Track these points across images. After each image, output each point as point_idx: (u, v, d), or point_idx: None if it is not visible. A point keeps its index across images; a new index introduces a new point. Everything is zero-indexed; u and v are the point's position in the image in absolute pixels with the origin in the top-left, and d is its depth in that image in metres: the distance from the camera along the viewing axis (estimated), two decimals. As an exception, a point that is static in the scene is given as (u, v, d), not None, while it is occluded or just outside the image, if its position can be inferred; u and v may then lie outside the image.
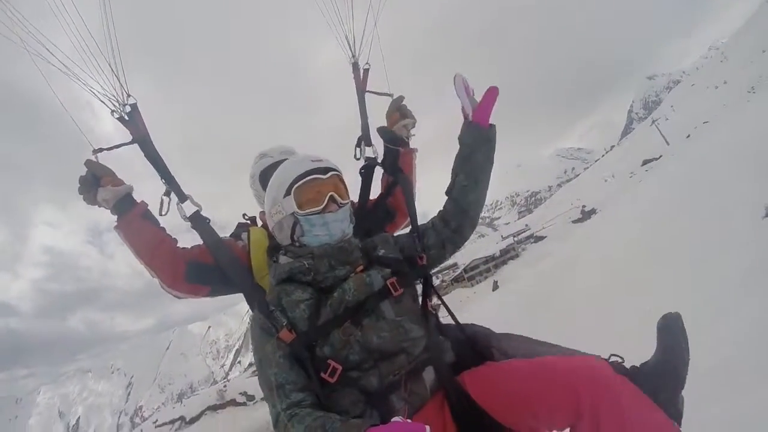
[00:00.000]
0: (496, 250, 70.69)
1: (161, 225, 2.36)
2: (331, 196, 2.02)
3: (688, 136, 50.82)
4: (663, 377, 1.60)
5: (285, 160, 2.21)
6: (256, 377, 1.87)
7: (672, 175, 12.93)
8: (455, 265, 68.31)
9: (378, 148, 2.83)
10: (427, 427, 1.32)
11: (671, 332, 1.65)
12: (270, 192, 2.13)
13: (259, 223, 2.78)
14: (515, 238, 77.30)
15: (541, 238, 70.10)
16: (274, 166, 2.34)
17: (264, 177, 2.74)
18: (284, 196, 2.03)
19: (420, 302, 2.10)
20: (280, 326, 1.81)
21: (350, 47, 2.91)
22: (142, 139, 2.28)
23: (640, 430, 1.44)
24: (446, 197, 2.21)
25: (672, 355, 1.62)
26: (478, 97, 2.14)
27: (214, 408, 73.93)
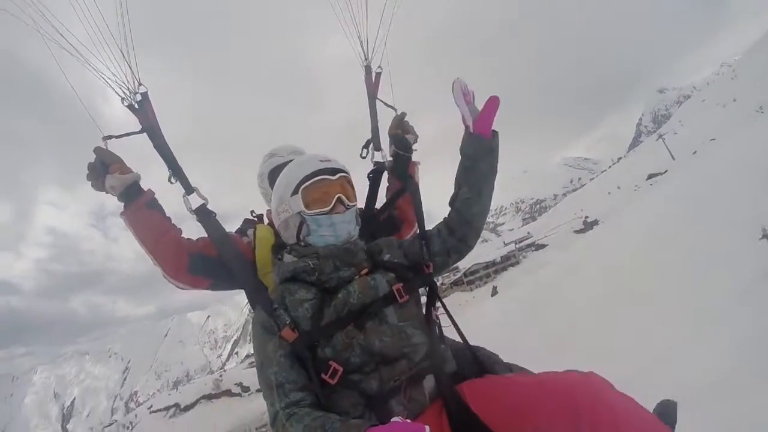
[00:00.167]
0: (497, 256, 70.77)
1: (167, 215, 2.35)
2: (339, 197, 2.02)
3: (695, 152, 50.80)
4: None
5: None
6: (253, 369, 2.06)
7: (675, 191, 13.06)
8: (456, 268, 68.23)
9: (386, 153, 2.84)
10: (427, 428, 1.31)
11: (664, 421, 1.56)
12: (277, 189, 2.13)
13: (266, 221, 2.77)
14: (517, 245, 77.33)
15: (543, 246, 70.10)
16: (283, 165, 2.35)
17: (273, 176, 2.74)
18: (291, 195, 2.03)
19: (424, 309, 2.09)
20: (283, 325, 1.81)
21: (363, 50, 2.91)
22: (151, 128, 2.27)
23: None
24: (450, 208, 2.19)
25: None
26: (480, 103, 2.08)
27: (209, 397, 74.28)
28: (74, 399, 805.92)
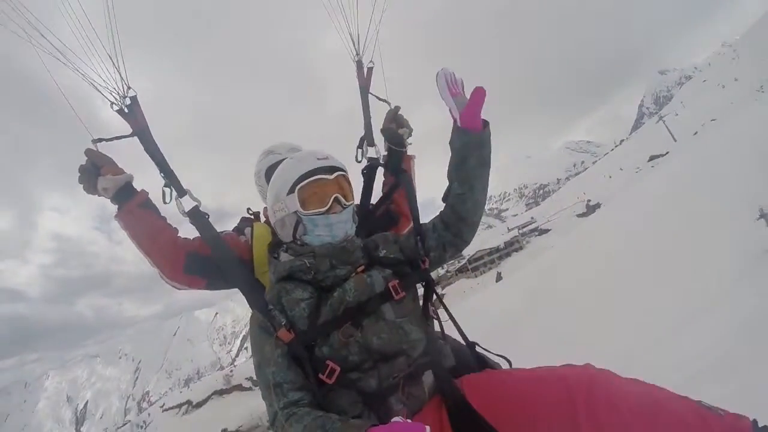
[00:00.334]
0: (500, 242, 70.99)
1: (162, 214, 2.35)
2: (336, 197, 1.99)
3: (695, 133, 50.73)
4: None
5: None
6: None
7: (675, 173, 13.06)
8: (460, 255, 68.51)
9: (380, 148, 2.80)
10: (427, 428, 1.30)
11: None
12: (273, 187, 2.09)
13: (263, 218, 2.76)
14: (520, 231, 77.45)
15: (546, 231, 70.32)
16: (280, 163, 2.24)
17: (270, 174, 2.63)
18: (288, 194, 2.00)
19: (421, 304, 2.09)
20: (279, 326, 1.81)
21: (354, 45, 2.87)
22: (141, 132, 2.25)
23: (638, 410, 1.45)
24: (443, 204, 2.14)
25: None
26: (469, 93, 1.97)
27: (220, 392, 74.66)
28: (87, 402, 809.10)
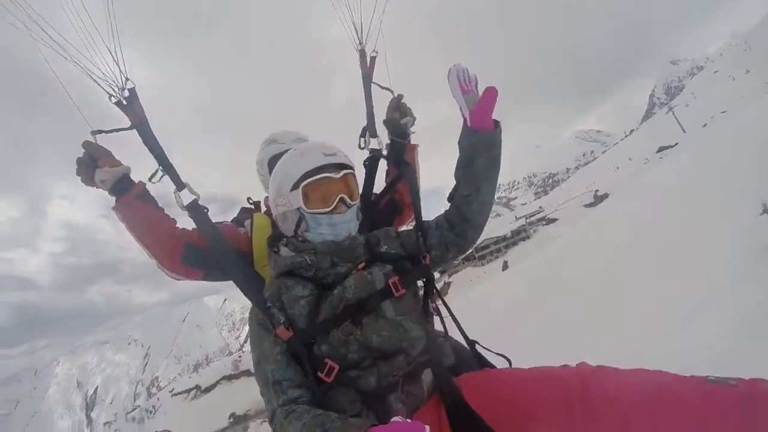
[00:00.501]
0: (507, 231, 71.00)
1: (160, 205, 2.33)
2: (342, 197, 1.95)
3: (705, 125, 50.52)
4: None
5: None
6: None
7: (683, 164, 12.97)
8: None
9: (383, 139, 2.76)
10: (427, 427, 1.29)
11: None
12: (275, 179, 2.05)
13: (263, 208, 2.75)
14: (527, 220, 77.39)
15: (553, 220, 70.28)
16: (284, 153, 2.20)
17: (273, 164, 2.55)
18: (291, 190, 1.95)
19: (421, 301, 2.08)
20: (277, 323, 1.79)
21: (357, 34, 2.80)
22: (140, 124, 2.21)
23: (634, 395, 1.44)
24: (449, 203, 2.11)
25: None
26: (482, 90, 1.88)
27: (229, 378, 75.18)
28: (97, 387, 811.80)
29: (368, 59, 2.83)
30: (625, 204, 14.74)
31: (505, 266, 46.50)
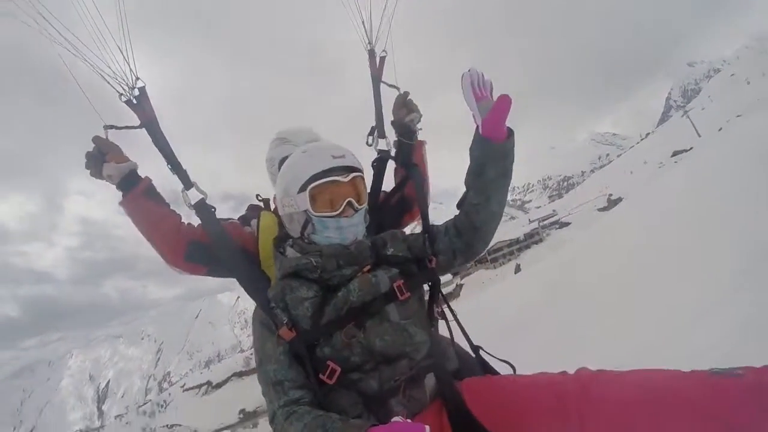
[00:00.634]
0: (520, 234, 70.73)
1: (166, 201, 2.33)
2: (349, 201, 1.92)
3: (720, 129, 50.11)
4: None
5: None
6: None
7: (697, 168, 12.84)
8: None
9: (391, 140, 2.74)
10: (427, 427, 1.29)
11: None
12: (283, 180, 2.02)
13: (273, 206, 2.71)
14: (540, 223, 77.10)
15: (566, 224, 69.86)
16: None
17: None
18: (298, 192, 1.92)
19: (426, 305, 2.06)
20: (281, 324, 1.79)
21: (366, 34, 2.78)
22: (149, 123, 2.22)
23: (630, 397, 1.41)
24: (458, 210, 2.08)
25: None
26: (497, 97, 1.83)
27: (239, 374, 75.36)
28: (109, 381, 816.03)
29: (377, 59, 2.81)
30: (638, 208, 14.60)
31: (518, 269, 46.37)
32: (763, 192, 7.01)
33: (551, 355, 6.10)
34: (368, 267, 1.96)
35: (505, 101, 1.78)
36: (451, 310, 2.21)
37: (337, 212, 1.91)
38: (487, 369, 2.07)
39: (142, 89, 2.22)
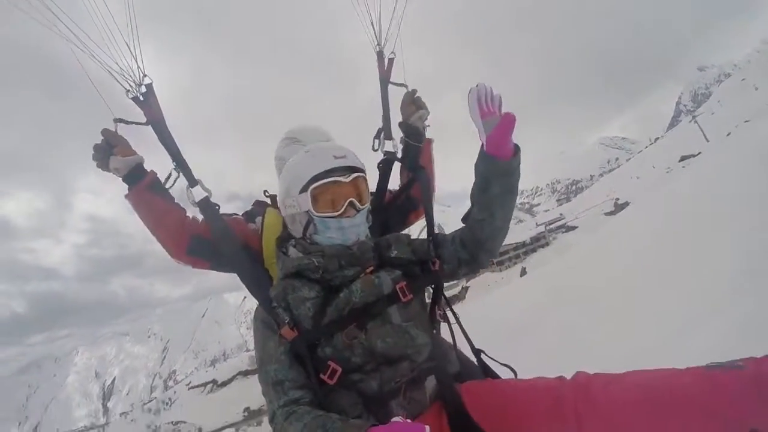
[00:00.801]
0: (527, 237, 70.62)
1: (170, 195, 2.34)
2: (351, 201, 1.92)
3: (729, 134, 49.91)
4: None
5: None
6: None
7: (703, 173, 12.83)
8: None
9: (398, 142, 2.73)
10: (427, 427, 1.28)
11: None
12: (285, 180, 2.02)
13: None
14: (547, 227, 76.97)
15: (573, 228, 69.76)
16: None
17: None
18: (300, 192, 1.92)
19: (428, 308, 2.07)
20: (282, 323, 1.78)
21: (376, 35, 2.78)
22: (155, 121, 2.21)
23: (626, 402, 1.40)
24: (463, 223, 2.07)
25: None
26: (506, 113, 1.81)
27: (245, 373, 75.35)
28: (114, 378, 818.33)
29: (386, 61, 2.81)
30: (644, 212, 14.59)
31: (524, 272, 46.25)
32: (759, 199, 7.02)
33: (553, 358, 6.09)
34: (371, 268, 1.97)
35: (508, 119, 1.77)
36: (454, 313, 2.20)
37: (339, 212, 1.91)
38: (488, 373, 2.07)
39: (149, 86, 2.22)
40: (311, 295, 1.85)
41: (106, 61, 2.12)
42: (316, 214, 1.92)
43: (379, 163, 2.70)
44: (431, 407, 1.77)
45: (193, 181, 2.21)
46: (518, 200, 2.05)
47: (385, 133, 2.76)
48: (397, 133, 2.77)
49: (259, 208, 2.70)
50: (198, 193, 2.21)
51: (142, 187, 2.24)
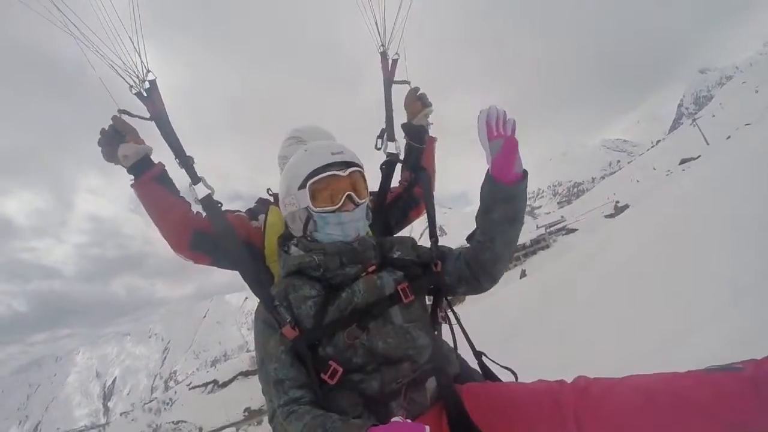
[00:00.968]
0: (527, 240, 70.59)
1: (176, 188, 2.32)
2: (349, 195, 1.92)
3: (729, 137, 49.91)
4: None
5: None
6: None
7: (702, 176, 12.85)
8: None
9: (400, 144, 2.73)
10: (427, 427, 1.27)
11: None
12: (284, 180, 2.03)
13: None
14: (547, 230, 76.93)
15: (573, 230, 69.71)
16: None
17: None
18: (299, 189, 1.93)
19: (430, 309, 2.06)
20: (284, 322, 1.77)
21: (380, 36, 2.75)
22: (159, 117, 2.18)
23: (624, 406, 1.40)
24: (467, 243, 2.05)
25: None
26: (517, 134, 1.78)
27: (245, 374, 75.35)
28: (115, 378, 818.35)
29: (389, 62, 2.79)
30: (643, 215, 14.63)
31: (523, 274, 46.21)
32: (758, 202, 6.99)
33: (551, 360, 6.12)
34: (373, 267, 1.97)
35: (510, 144, 1.75)
36: (455, 315, 2.18)
37: (337, 206, 1.91)
38: (488, 375, 2.08)
39: (152, 82, 2.19)
40: (312, 293, 1.85)
41: (109, 56, 2.11)
42: (315, 209, 1.92)
43: (381, 165, 2.70)
44: (431, 408, 1.77)
45: (195, 179, 2.17)
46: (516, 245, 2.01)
47: (388, 134, 2.74)
48: (399, 134, 2.77)
49: (263, 206, 2.68)
50: (201, 190, 2.19)
51: (150, 178, 2.23)
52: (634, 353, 5.39)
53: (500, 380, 2.02)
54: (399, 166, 2.79)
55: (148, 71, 2.18)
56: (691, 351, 4.50)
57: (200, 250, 2.33)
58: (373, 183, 2.41)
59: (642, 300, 7.17)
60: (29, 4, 1.96)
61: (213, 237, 2.20)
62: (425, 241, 2.24)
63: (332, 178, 1.91)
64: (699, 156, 51.52)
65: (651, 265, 8.29)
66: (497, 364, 2.07)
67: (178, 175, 2.28)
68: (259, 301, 1.97)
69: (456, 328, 2.16)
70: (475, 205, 1.96)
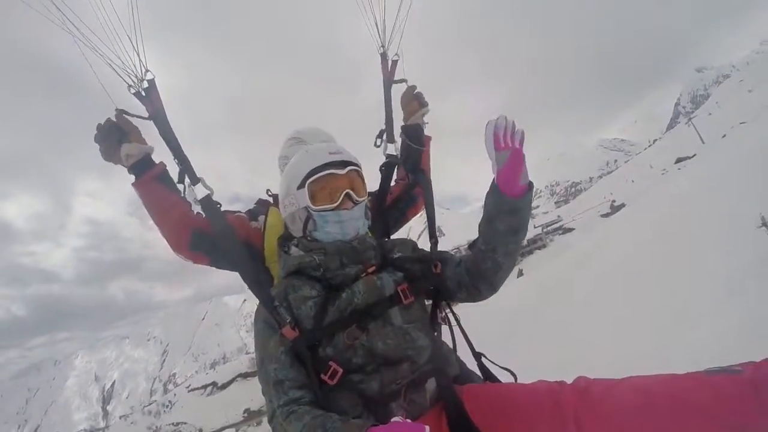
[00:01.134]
0: (524, 240, 70.60)
1: (177, 188, 2.30)
2: (347, 193, 1.94)
3: (724, 136, 49.92)
4: None
5: None
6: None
7: (697, 175, 12.87)
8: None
9: (398, 144, 2.77)
10: (427, 427, 1.28)
11: None
12: (284, 181, 2.06)
13: None
14: (544, 229, 76.89)
15: (570, 230, 69.60)
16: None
17: None
18: (298, 188, 1.96)
19: (429, 310, 2.08)
20: (283, 323, 1.78)
21: (380, 37, 2.76)
22: (157, 116, 2.17)
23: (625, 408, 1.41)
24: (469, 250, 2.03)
25: None
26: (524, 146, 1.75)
27: (245, 375, 75.13)
28: (114, 381, 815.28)
29: (389, 63, 2.81)
30: (639, 214, 14.65)
31: (520, 274, 46.16)
32: (754, 201, 6.97)
33: (549, 359, 6.15)
34: (373, 268, 1.99)
35: (515, 156, 1.72)
36: (455, 316, 2.21)
37: (335, 204, 1.94)
38: (488, 376, 2.10)
39: (151, 81, 2.19)
40: (312, 293, 1.87)
41: (108, 56, 2.09)
42: (314, 208, 1.95)
43: (381, 167, 2.73)
44: (431, 409, 1.79)
45: (195, 179, 2.19)
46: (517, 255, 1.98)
47: (387, 135, 2.78)
48: (398, 135, 2.81)
49: (262, 207, 2.69)
50: (200, 191, 2.20)
51: (151, 177, 2.23)
52: (631, 351, 5.38)
53: (500, 381, 2.04)
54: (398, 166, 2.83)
55: (147, 71, 2.17)
56: (687, 348, 4.53)
57: (200, 250, 2.33)
58: (372, 184, 2.47)
59: (638, 298, 7.18)
60: (29, 3, 1.96)
61: (212, 237, 2.20)
62: (424, 241, 2.29)
63: (330, 177, 1.94)
64: (694, 155, 51.59)
65: (647, 263, 8.37)
66: (496, 365, 2.10)
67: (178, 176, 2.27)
68: (258, 302, 1.98)
69: (455, 329, 2.19)
70: (474, 206, 2.00)
